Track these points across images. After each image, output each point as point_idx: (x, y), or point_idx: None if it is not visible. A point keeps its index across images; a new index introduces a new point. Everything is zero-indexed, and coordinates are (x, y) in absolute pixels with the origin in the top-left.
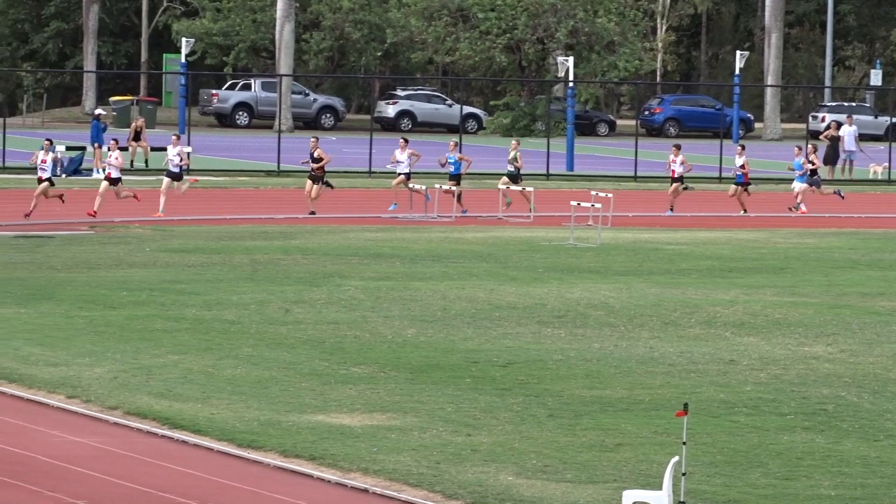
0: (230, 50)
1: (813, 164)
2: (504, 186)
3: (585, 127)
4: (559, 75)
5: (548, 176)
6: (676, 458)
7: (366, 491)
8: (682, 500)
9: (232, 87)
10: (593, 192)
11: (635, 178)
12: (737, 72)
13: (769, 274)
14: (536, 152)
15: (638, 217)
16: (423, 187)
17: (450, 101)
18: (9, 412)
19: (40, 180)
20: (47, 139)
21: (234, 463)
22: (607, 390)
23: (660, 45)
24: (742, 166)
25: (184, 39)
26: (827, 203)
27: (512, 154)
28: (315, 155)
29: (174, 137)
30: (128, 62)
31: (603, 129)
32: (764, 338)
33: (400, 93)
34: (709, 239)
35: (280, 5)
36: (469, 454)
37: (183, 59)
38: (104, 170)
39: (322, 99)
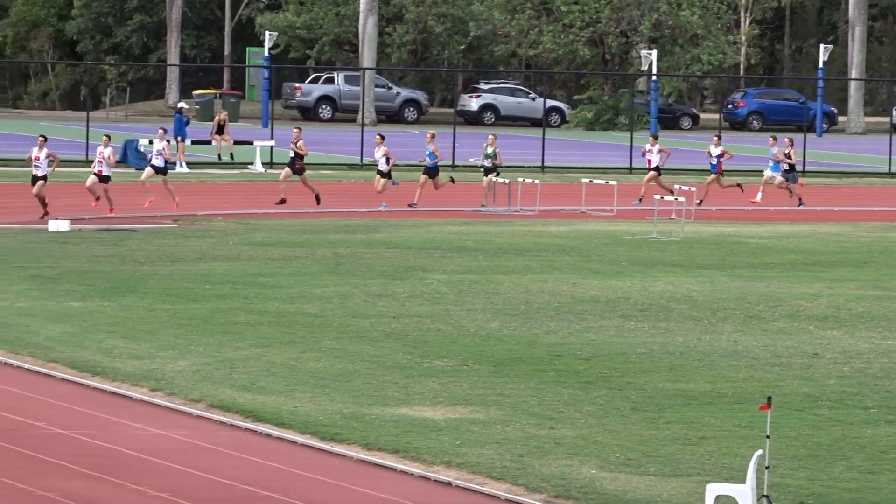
0: (313, 43)
1: (791, 158)
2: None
3: (668, 120)
4: (642, 69)
5: (631, 170)
6: (760, 452)
7: (449, 484)
8: (765, 493)
9: (315, 81)
10: (676, 186)
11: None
12: (820, 65)
13: (853, 268)
14: (619, 146)
15: (721, 211)
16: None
17: (533, 95)
18: (92, 405)
19: (35, 178)
20: (41, 135)
21: (317, 456)
22: (690, 384)
23: (743, 38)
24: (720, 155)
25: (267, 33)
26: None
27: (490, 150)
28: (297, 145)
29: (160, 131)
30: (211, 56)
31: (686, 122)
32: (847, 331)
33: (483, 86)
34: (792, 233)
35: None
36: (552, 447)
37: (266, 53)
38: (95, 166)
39: (405, 92)
